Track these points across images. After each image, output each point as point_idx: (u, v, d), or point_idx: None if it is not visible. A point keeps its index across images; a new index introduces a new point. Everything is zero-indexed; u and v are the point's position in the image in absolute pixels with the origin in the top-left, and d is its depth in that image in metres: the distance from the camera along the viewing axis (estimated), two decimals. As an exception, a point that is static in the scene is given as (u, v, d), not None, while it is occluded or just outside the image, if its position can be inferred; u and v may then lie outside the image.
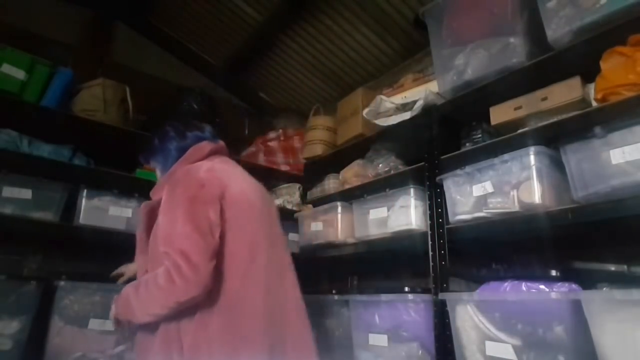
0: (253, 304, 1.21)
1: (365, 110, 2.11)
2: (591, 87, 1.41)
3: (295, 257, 2.40)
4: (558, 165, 1.40)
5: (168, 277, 1.14)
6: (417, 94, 1.94)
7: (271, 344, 1.20)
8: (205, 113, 2.54)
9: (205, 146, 1.44)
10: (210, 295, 1.17)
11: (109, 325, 1.50)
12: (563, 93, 1.45)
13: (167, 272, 1.15)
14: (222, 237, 1.22)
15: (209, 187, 1.26)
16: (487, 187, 1.52)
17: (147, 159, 1.56)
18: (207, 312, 1.17)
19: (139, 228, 1.40)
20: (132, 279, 1.47)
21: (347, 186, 2.26)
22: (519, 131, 1.52)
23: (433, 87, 1.89)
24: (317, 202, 2.43)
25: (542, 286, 1.29)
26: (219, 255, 1.20)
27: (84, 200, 1.99)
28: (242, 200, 1.31)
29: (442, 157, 1.75)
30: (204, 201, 1.23)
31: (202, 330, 1.15)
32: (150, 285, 1.19)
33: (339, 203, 2.20)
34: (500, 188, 1.49)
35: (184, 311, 1.16)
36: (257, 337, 1.18)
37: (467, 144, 1.75)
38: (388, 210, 1.94)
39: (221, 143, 1.52)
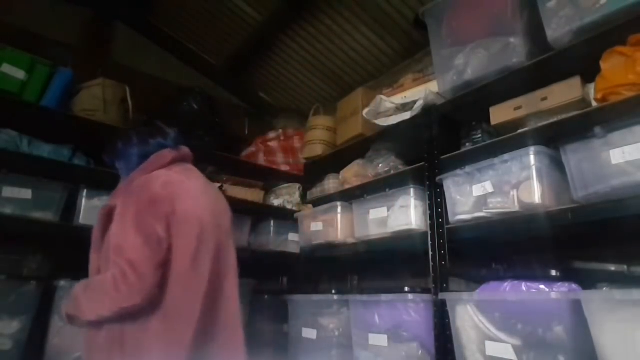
0: (191, 311, 1.29)
1: (365, 110, 2.11)
2: (591, 87, 1.41)
3: (295, 257, 2.45)
4: (558, 165, 1.40)
5: (115, 285, 1.22)
6: (417, 94, 1.94)
7: (199, 346, 1.28)
8: (204, 113, 2.55)
9: (167, 154, 1.47)
10: (153, 301, 1.24)
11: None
12: (563, 93, 1.45)
13: (115, 280, 1.23)
14: (168, 249, 1.28)
15: (160, 203, 1.32)
16: (487, 187, 1.52)
17: (111, 161, 1.58)
18: (148, 316, 1.25)
19: (95, 227, 1.45)
20: None
21: (347, 186, 2.26)
22: (519, 131, 1.52)
23: (433, 87, 1.89)
24: (317, 202, 2.43)
25: (542, 286, 1.29)
26: (171, 267, 1.28)
27: (84, 200, 2.00)
28: (190, 216, 1.36)
29: (442, 157, 1.75)
30: (153, 217, 1.29)
31: (144, 332, 1.24)
32: (97, 289, 1.29)
33: (339, 203, 2.20)
34: (500, 188, 1.49)
35: (128, 314, 1.24)
36: (188, 340, 1.26)
37: (467, 144, 1.75)
38: (388, 210, 1.94)
39: (184, 150, 1.54)
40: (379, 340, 1.70)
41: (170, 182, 1.38)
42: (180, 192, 1.38)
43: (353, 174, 2.24)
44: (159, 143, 1.49)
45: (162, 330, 1.25)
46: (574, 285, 1.28)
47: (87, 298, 1.31)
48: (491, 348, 1.31)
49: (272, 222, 2.57)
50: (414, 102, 1.91)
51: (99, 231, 1.41)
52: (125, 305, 1.22)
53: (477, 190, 1.55)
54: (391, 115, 2.04)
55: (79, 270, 1.54)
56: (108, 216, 1.38)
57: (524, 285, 1.33)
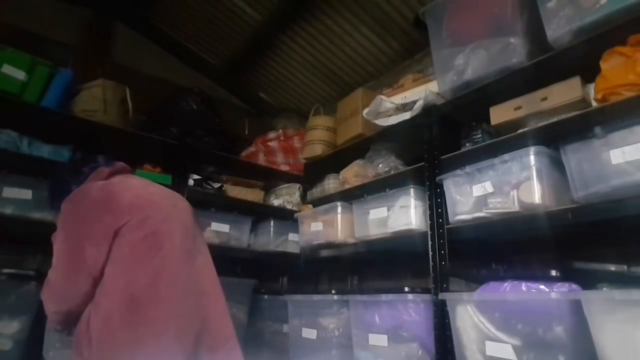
0: (157, 291, 1.25)
1: (365, 110, 2.11)
2: (591, 87, 1.41)
3: (295, 257, 2.45)
4: (558, 165, 1.39)
5: (42, 290, 1.31)
6: (417, 94, 1.94)
7: (180, 327, 1.25)
8: (203, 113, 2.55)
9: (104, 169, 1.47)
10: (112, 287, 1.23)
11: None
12: (563, 93, 1.44)
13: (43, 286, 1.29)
14: (120, 237, 1.26)
15: (98, 200, 1.32)
16: (487, 187, 1.52)
17: (52, 205, 1.53)
18: (110, 306, 1.22)
19: None
20: None
21: (347, 186, 2.26)
22: (519, 131, 1.52)
23: (433, 87, 1.89)
24: (317, 202, 2.43)
25: (542, 286, 1.29)
26: (122, 250, 1.25)
27: (84, 201, 1.99)
28: (141, 201, 1.35)
29: (442, 157, 1.75)
30: (90, 219, 1.28)
31: (105, 323, 1.20)
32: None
33: (339, 203, 2.20)
34: (500, 188, 1.49)
35: (92, 308, 1.24)
36: (160, 321, 1.22)
37: (467, 144, 1.75)
38: (388, 210, 1.94)
39: (120, 164, 1.54)
40: (379, 340, 1.70)
41: (109, 183, 1.40)
42: (121, 187, 1.39)
43: (353, 174, 2.24)
44: (92, 167, 1.48)
45: (128, 318, 1.20)
46: (574, 285, 1.28)
47: None
48: (491, 348, 1.31)
49: (272, 222, 2.57)
50: (414, 102, 1.91)
51: None
52: (50, 310, 1.28)
53: (477, 190, 1.55)
54: (391, 115, 2.04)
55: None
56: None
57: (524, 285, 1.33)
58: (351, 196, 2.18)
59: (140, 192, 1.41)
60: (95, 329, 1.20)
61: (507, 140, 1.53)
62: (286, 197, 2.72)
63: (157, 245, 1.29)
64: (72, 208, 1.32)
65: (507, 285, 1.37)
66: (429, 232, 1.71)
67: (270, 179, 2.79)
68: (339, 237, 2.16)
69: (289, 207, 2.66)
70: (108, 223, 1.26)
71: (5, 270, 1.83)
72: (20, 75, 1.95)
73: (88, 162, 1.50)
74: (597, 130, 1.26)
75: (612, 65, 1.30)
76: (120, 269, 1.24)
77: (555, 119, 1.44)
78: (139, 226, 1.29)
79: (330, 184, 2.48)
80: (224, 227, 2.39)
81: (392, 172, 2.05)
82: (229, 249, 2.37)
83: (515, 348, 1.25)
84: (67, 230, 1.30)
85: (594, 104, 1.39)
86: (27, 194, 1.88)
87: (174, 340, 1.22)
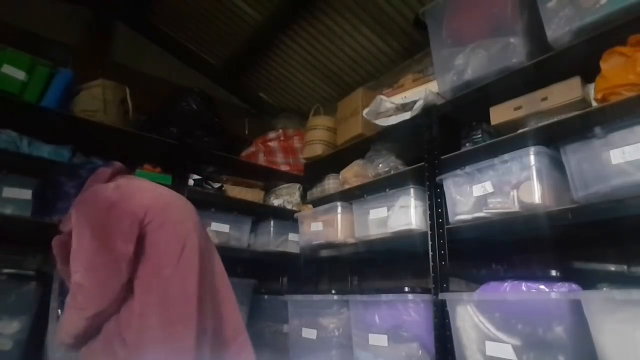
0: (187, 288, 1.28)
1: (365, 110, 2.11)
2: (591, 87, 1.41)
3: (295, 257, 2.45)
4: (558, 165, 1.40)
5: (72, 296, 1.23)
6: (417, 94, 1.94)
7: (204, 323, 1.29)
8: (203, 113, 2.55)
9: (105, 170, 1.46)
10: (145, 288, 1.24)
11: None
12: (563, 93, 1.44)
13: (72, 292, 1.24)
14: (145, 237, 1.28)
15: (119, 203, 1.31)
16: (487, 187, 1.52)
17: (49, 214, 1.49)
18: (145, 303, 1.23)
19: (58, 264, 1.42)
20: None
21: (347, 186, 2.26)
22: (519, 131, 1.52)
23: (433, 87, 1.89)
24: (317, 202, 2.43)
25: (542, 286, 1.29)
26: (149, 250, 1.27)
27: (84, 201, 1.99)
28: (160, 202, 1.39)
29: (442, 157, 1.75)
30: (115, 218, 1.28)
31: (145, 319, 1.21)
32: (65, 307, 1.31)
33: (339, 203, 2.21)
34: (500, 188, 1.49)
35: (122, 307, 1.24)
36: (191, 318, 1.25)
37: (467, 144, 1.75)
38: (388, 210, 1.94)
39: (118, 164, 1.53)
40: (379, 340, 1.70)
41: (120, 186, 1.40)
42: (132, 190, 1.39)
43: (353, 174, 2.24)
44: (90, 168, 1.47)
45: (163, 314, 1.23)
46: (574, 285, 1.28)
47: (61, 321, 1.34)
48: (491, 348, 1.31)
49: (272, 222, 2.57)
50: (414, 102, 1.91)
51: (64, 264, 1.37)
52: (88, 315, 1.22)
53: (477, 190, 1.55)
54: (391, 116, 2.04)
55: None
56: (65, 245, 1.34)
57: (524, 285, 1.33)
58: (351, 196, 2.18)
59: (153, 194, 1.44)
60: (132, 328, 1.21)
61: (507, 140, 1.53)
62: (286, 197, 2.72)
63: (181, 244, 1.32)
64: (89, 209, 1.31)
65: (507, 285, 1.37)
66: (429, 232, 1.71)
67: (270, 179, 2.79)
68: (339, 237, 2.16)
69: (289, 207, 2.66)
70: (133, 220, 1.28)
71: (5, 270, 1.83)
72: (20, 75, 1.95)
73: (85, 165, 1.51)
74: (597, 130, 1.26)
75: (612, 65, 1.30)
76: (150, 269, 1.27)
77: (555, 119, 1.44)
78: (161, 227, 1.31)
79: (330, 184, 2.49)
80: (224, 227, 2.40)
81: (392, 172, 2.05)
82: (229, 249, 2.37)
83: (515, 348, 1.25)
84: (92, 230, 1.27)
85: (594, 104, 1.39)
86: (27, 194, 1.88)
87: (203, 335, 1.26)
